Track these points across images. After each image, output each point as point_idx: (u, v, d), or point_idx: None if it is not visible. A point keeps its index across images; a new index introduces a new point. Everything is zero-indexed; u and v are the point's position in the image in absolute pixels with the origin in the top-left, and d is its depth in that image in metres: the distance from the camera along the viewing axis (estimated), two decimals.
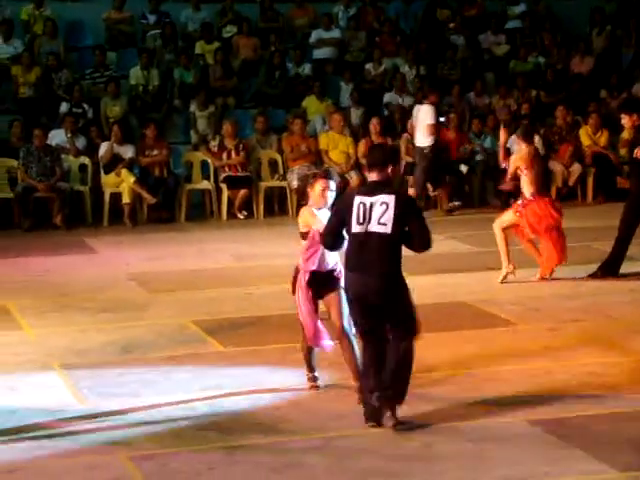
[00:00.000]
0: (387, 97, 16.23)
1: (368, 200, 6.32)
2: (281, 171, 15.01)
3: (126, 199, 14.13)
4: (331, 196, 6.85)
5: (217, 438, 6.35)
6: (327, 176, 6.91)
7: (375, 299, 6.33)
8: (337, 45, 17.28)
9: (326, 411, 6.77)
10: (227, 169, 14.72)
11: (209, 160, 14.89)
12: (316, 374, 7.19)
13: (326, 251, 6.77)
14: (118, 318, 9.26)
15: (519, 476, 5.73)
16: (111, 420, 6.69)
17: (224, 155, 14.75)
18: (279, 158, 15.09)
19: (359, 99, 15.91)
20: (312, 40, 17.28)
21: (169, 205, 14.50)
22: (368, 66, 16.83)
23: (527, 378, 7.37)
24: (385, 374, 6.40)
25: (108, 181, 14.33)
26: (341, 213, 6.45)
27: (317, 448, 6.16)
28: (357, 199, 6.36)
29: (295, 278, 6.95)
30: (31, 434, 6.46)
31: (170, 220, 14.36)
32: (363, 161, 14.91)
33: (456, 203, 14.75)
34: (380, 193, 6.33)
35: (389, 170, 6.41)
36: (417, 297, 9.63)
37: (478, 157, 15.25)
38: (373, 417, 6.43)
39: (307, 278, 6.85)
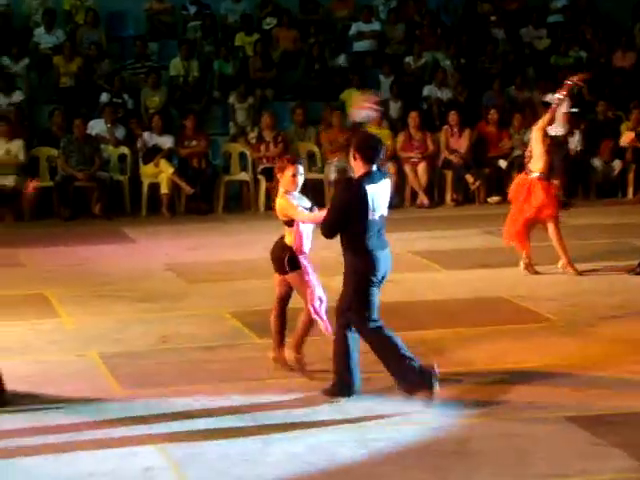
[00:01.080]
0: (426, 90, 16.17)
1: (377, 188, 6.74)
2: (319, 163, 15.02)
3: (164, 189, 14.19)
4: (300, 180, 7.23)
5: (252, 429, 6.37)
6: (296, 162, 7.31)
7: (385, 275, 6.83)
8: (377, 38, 17.24)
9: (360, 404, 6.77)
10: (265, 161, 14.74)
11: (247, 152, 14.92)
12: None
13: (308, 232, 7.19)
14: (156, 308, 9.31)
15: (555, 473, 5.70)
16: (147, 409, 6.73)
17: (262, 147, 14.77)
18: (317, 150, 15.09)
19: (398, 92, 15.87)
20: (352, 32, 17.25)
21: (207, 196, 14.54)
22: (408, 59, 16.77)
23: (564, 374, 7.33)
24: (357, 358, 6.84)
25: (147, 171, 14.40)
26: (352, 205, 6.72)
27: (352, 441, 6.16)
28: (369, 189, 6.69)
29: (283, 259, 7.21)
30: (66, 421, 6.52)
31: (208, 211, 14.40)
32: (401, 154, 14.92)
33: (495, 198, 14.71)
34: (382, 180, 6.80)
35: None
36: (454, 292, 9.74)
37: (517, 152, 15.16)
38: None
39: (307, 261, 7.21)
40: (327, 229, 6.81)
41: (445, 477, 5.71)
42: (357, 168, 6.81)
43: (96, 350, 7.99)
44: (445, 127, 15.14)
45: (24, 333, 8.51)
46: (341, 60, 16.69)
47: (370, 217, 6.71)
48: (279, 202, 7.26)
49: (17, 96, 14.94)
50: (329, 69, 16.51)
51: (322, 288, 7.27)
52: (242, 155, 14.99)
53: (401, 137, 14.97)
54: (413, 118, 14.92)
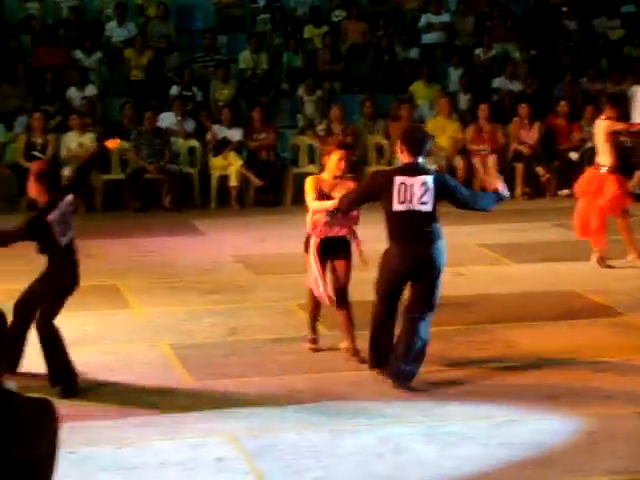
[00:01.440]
0: (497, 82, 16.04)
1: (409, 181, 6.74)
2: (387, 156, 14.97)
3: (233, 182, 14.26)
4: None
5: (322, 421, 6.38)
6: (342, 146, 7.43)
7: (416, 269, 6.79)
8: (446, 30, 17.13)
9: (429, 397, 6.75)
10: None
11: (315, 144, 14.92)
12: (316, 337, 7.70)
13: (330, 219, 7.28)
14: (225, 299, 9.35)
15: (628, 469, 5.63)
16: (217, 400, 6.77)
17: (330, 139, 14.74)
18: (386, 143, 15.05)
19: (467, 84, 15.76)
20: (421, 24, 17.17)
21: (275, 188, 14.58)
22: (478, 51, 16.64)
23: (636, 370, 7.23)
24: (401, 346, 6.85)
25: (216, 164, 14.47)
26: (373, 190, 6.96)
27: (421, 435, 6.14)
28: (397, 179, 6.76)
29: (307, 240, 7.48)
30: (138, 411, 6.58)
31: (276, 203, 14.43)
32: (470, 147, 14.82)
33: (566, 191, 14.54)
34: (420, 174, 6.78)
35: None
36: (525, 285, 9.64)
37: (589, 144, 14.97)
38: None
39: (317, 244, 7.36)
40: (342, 201, 7.05)
41: (516, 470, 5.67)
42: (402, 160, 6.93)
43: (167, 341, 8.05)
44: (515, 119, 15.00)
45: (96, 323, 8.61)
46: (413, 53, 16.61)
47: (394, 208, 6.76)
48: (306, 184, 7.45)
49: (90, 90, 15.10)
50: (398, 61, 16.45)
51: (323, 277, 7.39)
52: (310, 148, 15.00)
53: (470, 129, 14.87)
54: (483, 110, 14.80)
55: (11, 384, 2.72)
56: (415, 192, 6.74)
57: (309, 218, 7.44)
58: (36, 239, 6.83)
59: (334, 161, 7.34)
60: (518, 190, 14.86)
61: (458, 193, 6.96)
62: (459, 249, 10.91)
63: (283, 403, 6.68)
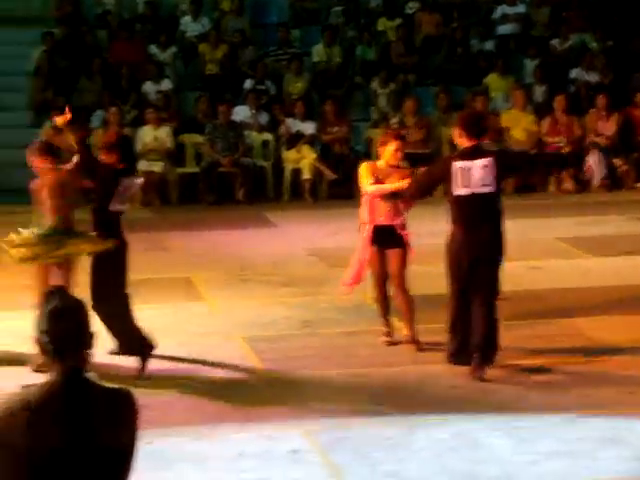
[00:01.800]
0: (574, 73, 15.82)
1: (468, 164, 6.77)
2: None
3: (307, 175, 14.28)
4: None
5: (396, 414, 6.36)
6: (399, 137, 7.64)
7: (481, 253, 6.73)
8: (521, 21, 16.94)
9: (506, 391, 6.69)
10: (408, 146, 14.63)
11: None
12: (390, 330, 7.69)
13: (381, 207, 7.43)
14: (299, 292, 9.37)
15: None
16: (292, 392, 6.78)
17: (404, 132, 14.67)
18: None
19: (543, 75, 15.57)
20: (496, 16, 17.00)
21: (349, 181, 14.55)
22: (554, 42, 16.43)
23: None
24: (474, 334, 6.77)
25: (289, 157, 14.51)
26: (439, 175, 7.09)
27: (496, 429, 6.09)
28: (457, 164, 6.80)
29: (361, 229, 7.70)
30: (213, 403, 6.62)
31: (350, 196, 14.38)
32: (546, 139, 14.63)
33: None
34: (480, 157, 6.79)
35: None
36: (601, 279, 9.50)
37: None
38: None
39: (370, 231, 7.54)
40: (410, 185, 7.19)
41: (592, 466, 5.59)
42: (462, 144, 6.95)
43: (241, 333, 8.09)
44: (592, 111, 14.78)
45: (170, 316, 8.67)
46: (488, 45, 16.46)
47: (455, 192, 6.79)
48: (361, 172, 7.60)
49: (166, 84, 15.24)
50: (472, 53, 16.31)
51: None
52: None
53: (546, 122, 14.67)
54: (559, 102, 14.60)
55: (92, 374, 2.74)
56: (475, 175, 6.77)
57: (364, 208, 7.57)
58: (103, 183, 6.93)
59: (390, 151, 7.52)
60: (595, 182, 14.66)
61: (523, 156, 7.04)
62: (535, 242, 10.81)
63: (357, 396, 6.68)
